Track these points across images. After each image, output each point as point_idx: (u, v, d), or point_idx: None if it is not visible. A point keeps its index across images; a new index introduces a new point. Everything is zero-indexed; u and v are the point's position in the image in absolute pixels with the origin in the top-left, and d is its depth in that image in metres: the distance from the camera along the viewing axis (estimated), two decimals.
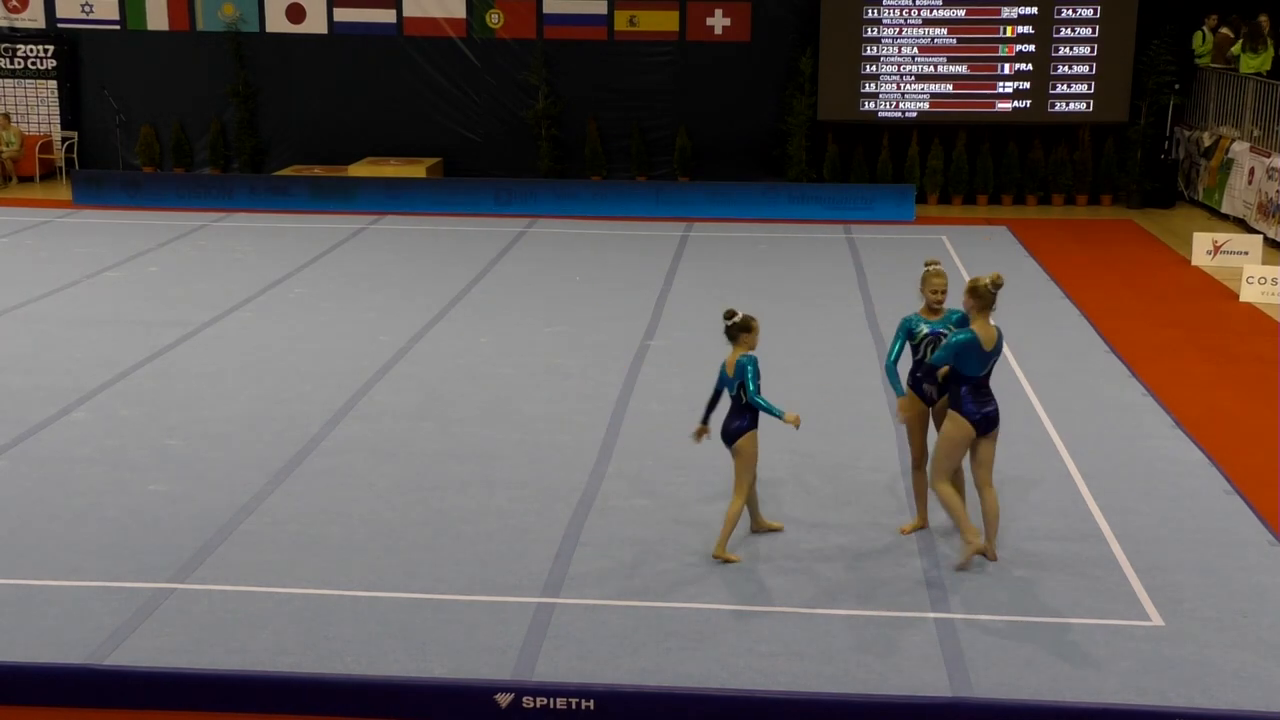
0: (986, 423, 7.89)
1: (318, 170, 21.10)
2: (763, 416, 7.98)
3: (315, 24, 21.83)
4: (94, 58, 22.14)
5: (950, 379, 7.92)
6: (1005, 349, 12.46)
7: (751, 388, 7.92)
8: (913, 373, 8.42)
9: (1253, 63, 18.99)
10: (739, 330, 8.03)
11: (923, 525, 8.49)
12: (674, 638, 7.15)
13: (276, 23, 21.86)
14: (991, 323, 7.93)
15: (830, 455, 9.72)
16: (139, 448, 9.96)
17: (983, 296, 7.83)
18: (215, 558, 8.10)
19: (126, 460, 9.71)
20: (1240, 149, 18.76)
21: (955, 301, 8.27)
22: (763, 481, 9.28)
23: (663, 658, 6.94)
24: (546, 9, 21.47)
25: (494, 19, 21.59)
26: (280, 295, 14.75)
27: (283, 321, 13.64)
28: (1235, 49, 19.19)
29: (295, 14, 21.82)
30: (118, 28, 22.02)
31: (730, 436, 8.03)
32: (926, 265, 8.45)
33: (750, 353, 8.03)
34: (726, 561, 8.06)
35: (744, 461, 8.05)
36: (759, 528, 8.48)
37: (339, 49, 21.80)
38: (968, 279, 8.05)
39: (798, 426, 7.93)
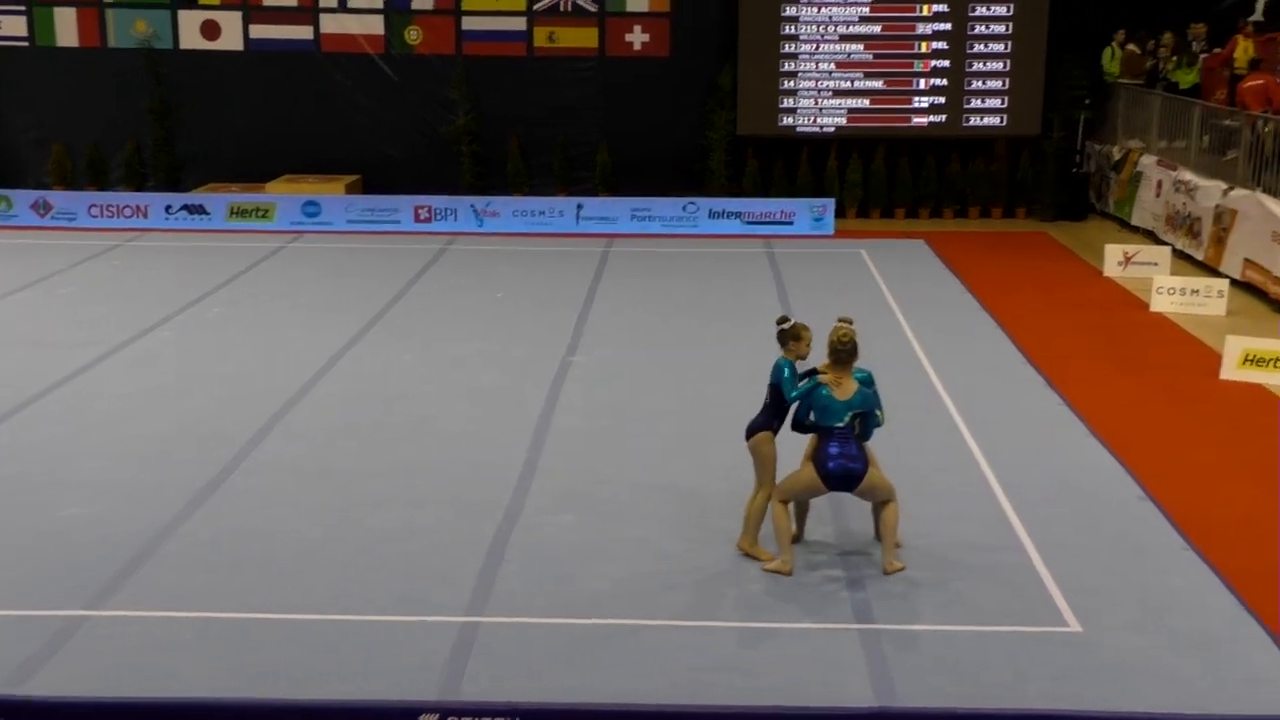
0: (845, 479, 7.90)
1: (234, 188, 20.87)
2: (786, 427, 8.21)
3: (231, 41, 21.58)
4: (2, 75, 21.73)
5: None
6: (926, 364, 12.68)
7: (788, 391, 8.01)
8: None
9: (1188, 77, 19.27)
10: (787, 338, 8.19)
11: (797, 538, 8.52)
12: (600, 654, 7.15)
13: (191, 39, 21.58)
14: (856, 376, 7.99)
15: (750, 476, 9.76)
16: (55, 470, 9.78)
17: (832, 352, 7.94)
18: (134, 582, 7.97)
19: (42, 483, 9.53)
20: (1148, 162, 19.16)
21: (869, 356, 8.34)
22: (697, 494, 9.32)
23: (590, 674, 6.94)
24: (465, 25, 21.43)
25: (413, 35, 21.51)
26: (198, 315, 14.57)
27: (201, 341, 13.48)
28: (1169, 66, 19.44)
29: (210, 30, 21.58)
30: (26, 44, 21.63)
31: (747, 433, 8.31)
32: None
33: (790, 358, 8.15)
34: (753, 558, 8.23)
35: (758, 461, 8.24)
36: (803, 536, 8.46)
37: (255, 66, 21.58)
38: (839, 325, 8.02)
39: (829, 385, 7.97)
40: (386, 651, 7.16)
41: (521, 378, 12.23)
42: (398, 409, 11.34)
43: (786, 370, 8.08)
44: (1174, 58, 19.31)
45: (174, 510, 9.03)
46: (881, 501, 8.13)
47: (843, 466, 7.90)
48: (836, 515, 8.89)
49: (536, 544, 8.56)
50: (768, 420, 8.24)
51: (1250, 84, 17.24)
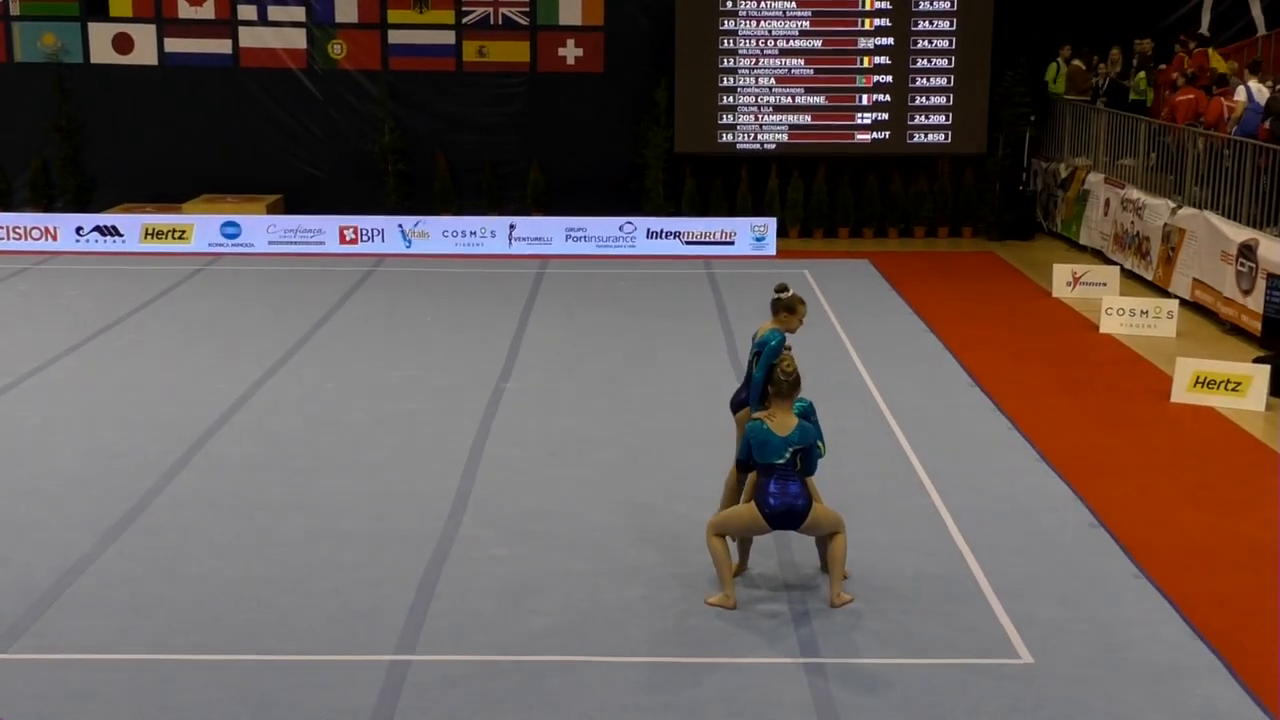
0: (788, 517, 7.87)
1: (149, 209, 20.65)
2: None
3: (144, 55, 21.38)
4: None
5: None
6: (872, 388, 12.76)
7: (760, 364, 8.32)
8: None
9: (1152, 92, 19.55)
10: (780, 308, 8.59)
11: (742, 570, 8.52)
12: (536, 694, 7.10)
13: (102, 53, 21.37)
14: (795, 412, 7.96)
15: (694, 501, 9.78)
16: None
17: (775, 386, 7.91)
18: (41, 625, 7.82)
19: None
20: (1095, 180, 19.44)
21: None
22: (635, 525, 9.31)
23: (525, 715, 6.89)
24: (391, 39, 21.40)
25: (336, 49, 21.42)
26: (110, 342, 14.38)
27: (113, 370, 13.30)
28: (1140, 81, 19.64)
29: (123, 44, 21.38)
30: None
31: (734, 407, 8.69)
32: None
33: (779, 329, 8.48)
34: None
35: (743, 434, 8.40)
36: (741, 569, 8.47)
37: (171, 81, 21.40)
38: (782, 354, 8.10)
39: (766, 420, 8.01)
40: (311, 694, 7.07)
41: (453, 405, 12.17)
42: (321, 439, 11.24)
43: (773, 344, 8.37)
44: (1141, 72, 19.48)
45: (83, 549, 8.88)
46: (828, 534, 8.14)
47: (785, 504, 7.87)
48: (780, 547, 8.90)
49: (469, 579, 8.50)
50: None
51: (1182, 97, 17.74)
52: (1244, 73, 17.21)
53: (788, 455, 7.86)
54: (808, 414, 8.12)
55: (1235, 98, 16.42)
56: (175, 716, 6.83)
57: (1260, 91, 16.31)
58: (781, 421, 7.89)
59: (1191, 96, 17.61)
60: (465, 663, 7.43)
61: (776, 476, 7.89)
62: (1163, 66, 19.53)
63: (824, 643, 7.69)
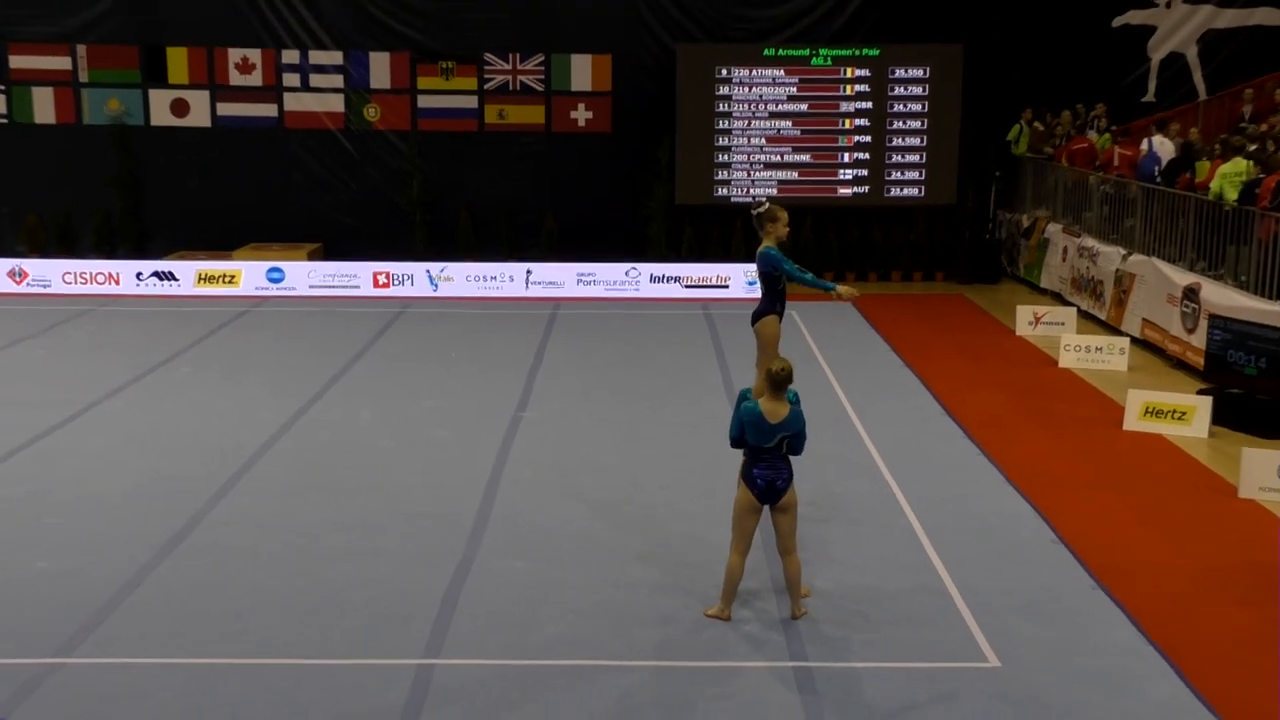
0: (770, 492, 7.86)
1: (202, 256, 20.70)
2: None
3: (199, 117, 21.51)
4: None
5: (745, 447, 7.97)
6: (854, 418, 12.76)
7: (788, 268, 8.83)
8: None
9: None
10: (765, 220, 8.94)
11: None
12: (552, 694, 7.09)
13: (161, 116, 21.50)
14: (788, 401, 7.89)
15: (693, 520, 9.77)
16: (22, 526, 9.59)
17: (771, 380, 7.88)
18: (102, 631, 7.82)
19: (9, 539, 9.34)
20: (1054, 230, 19.49)
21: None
22: (641, 542, 9.29)
23: (538, 713, 6.87)
24: (420, 103, 21.52)
25: (371, 112, 21.56)
26: (165, 376, 14.41)
27: (168, 401, 13.32)
28: (1104, 140, 19.63)
29: (179, 108, 21.52)
30: (5, 121, 21.47)
31: (754, 319, 9.45)
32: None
33: (773, 246, 8.98)
34: None
35: (760, 341, 8.83)
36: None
37: (222, 140, 21.52)
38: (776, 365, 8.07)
39: (841, 297, 9.03)
40: (348, 694, 7.05)
41: (474, 433, 12.17)
42: (356, 464, 11.24)
43: (773, 253, 8.96)
44: (1105, 135, 19.51)
45: (139, 562, 8.87)
46: (787, 551, 8.03)
47: (767, 479, 7.84)
48: (770, 562, 8.88)
49: (489, 590, 8.48)
50: (770, 305, 9.10)
51: (1076, 147, 19.14)
52: (1150, 128, 17.82)
53: (775, 440, 7.82)
54: (796, 401, 8.00)
55: (1140, 147, 17.35)
56: (223, 715, 6.82)
57: (1162, 143, 17.09)
58: (773, 409, 7.82)
59: (1086, 145, 18.88)
60: (485, 666, 7.41)
61: (764, 459, 7.85)
62: (1114, 129, 19.60)
63: (811, 649, 7.67)
